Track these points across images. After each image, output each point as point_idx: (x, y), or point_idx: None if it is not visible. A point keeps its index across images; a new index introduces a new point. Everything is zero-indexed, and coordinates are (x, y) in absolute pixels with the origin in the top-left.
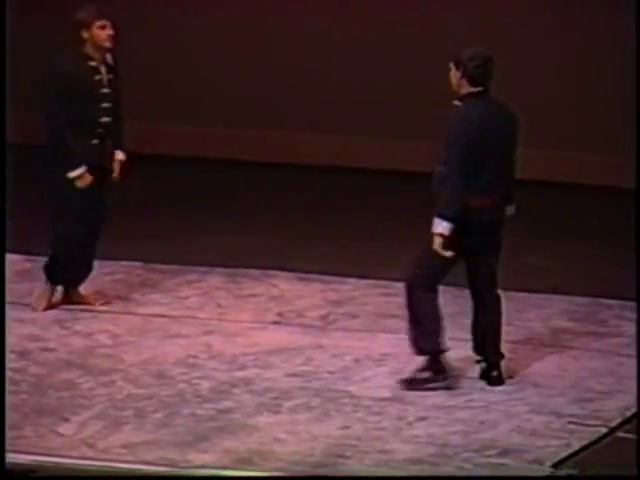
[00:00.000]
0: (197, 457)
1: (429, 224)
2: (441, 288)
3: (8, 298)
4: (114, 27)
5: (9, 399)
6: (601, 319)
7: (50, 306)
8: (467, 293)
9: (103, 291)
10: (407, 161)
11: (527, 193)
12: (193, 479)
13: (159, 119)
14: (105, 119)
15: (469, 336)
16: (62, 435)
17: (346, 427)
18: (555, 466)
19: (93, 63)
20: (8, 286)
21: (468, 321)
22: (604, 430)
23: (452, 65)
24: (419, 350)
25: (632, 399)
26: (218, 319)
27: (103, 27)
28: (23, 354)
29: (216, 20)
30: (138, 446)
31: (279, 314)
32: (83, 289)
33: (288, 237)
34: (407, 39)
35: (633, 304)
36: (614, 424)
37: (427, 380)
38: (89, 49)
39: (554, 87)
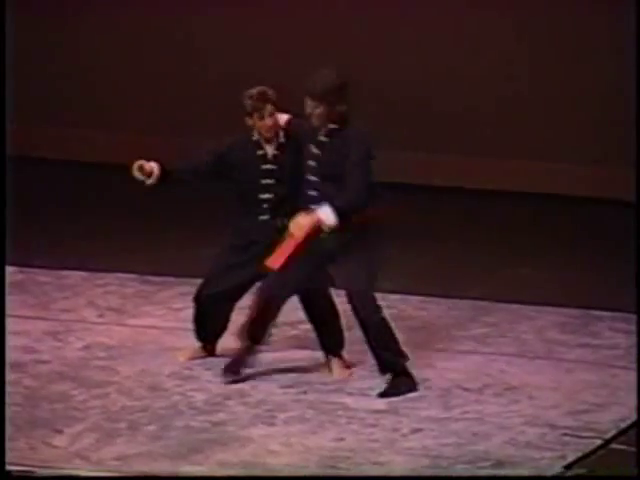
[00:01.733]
0: (191, 469)
1: (417, 236)
2: (436, 300)
3: None
4: (274, 115)
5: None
6: (594, 331)
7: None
8: (462, 304)
9: (96, 303)
10: (401, 173)
11: (520, 205)
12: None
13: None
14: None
15: (467, 348)
16: (55, 447)
17: (340, 439)
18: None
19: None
20: None
21: (463, 333)
22: (599, 442)
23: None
24: None
25: (627, 411)
26: None
27: (262, 118)
28: (17, 366)
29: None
30: (131, 458)
31: (273, 325)
32: None
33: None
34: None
35: (626, 315)
36: (609, 436)
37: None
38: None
39: (550, 98)
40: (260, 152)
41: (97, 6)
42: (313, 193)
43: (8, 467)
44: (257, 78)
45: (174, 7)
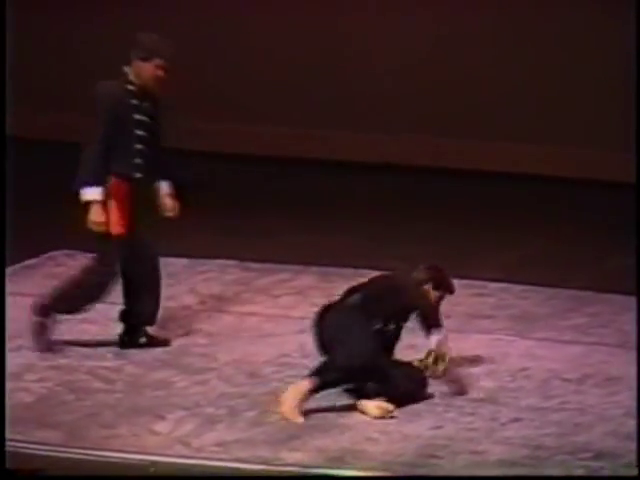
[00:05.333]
0: (289, 455)
1: (519, 225)
2: (535, 289)
3: (106, 298)
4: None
5: (104, 398)
6: None
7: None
8: (563, 294)
9: (197, 290)
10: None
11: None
12: (284, 478)
13: (248, 119)
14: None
15: (568, 338)
16: (157, 434)
17: (438, 427)
18: None
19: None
20: None
21: (564, 323)
22: None
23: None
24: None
25: None
26: (311, 318)
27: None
28: (119, 354)
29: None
30: (231, 444)
31: None
32: None
33: (379, 236)
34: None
35: None
36: None
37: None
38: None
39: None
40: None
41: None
42: (140, 161)
43: (110, 454)
44: None
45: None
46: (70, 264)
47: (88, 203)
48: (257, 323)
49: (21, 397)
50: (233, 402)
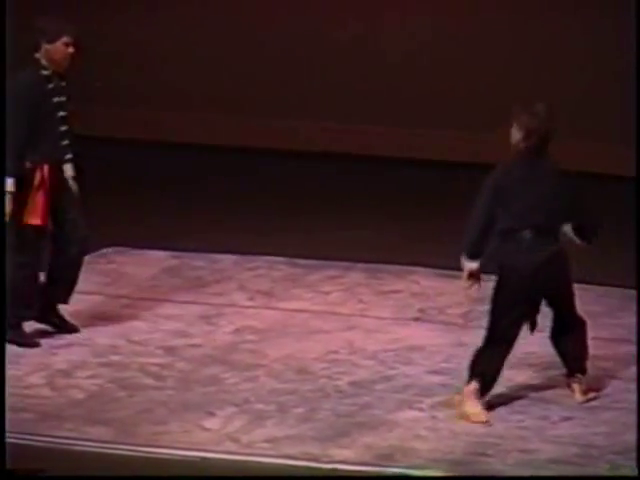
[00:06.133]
0: (338, 452)
1: None
2: (585, 287)
3: (156, 295)
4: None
5: (155, 395)
6: None
7: None
8: (613, 292)
9: (246, 286)
10: None
11: None
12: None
13: (286, 114)
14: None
15: (618, 336)
16: (208, 430)
17: (488, 425)
18: None
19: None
20: (154, 282)
21: (614, 321)
22: None
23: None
24: None
25: None
26: (359, 315)
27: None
28: (169, 350)
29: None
30: (281, 440)
31: (420, 310)
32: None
33: (428, 233)
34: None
35: None
36: None
37: None
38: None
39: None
40: (50, 86)
41: None
42: (67, 142)
43: (159, 450)
44: None
45: None
46: (121, 261)
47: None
48: (305, 319)
49: (73, 394)
50: (282, 398)
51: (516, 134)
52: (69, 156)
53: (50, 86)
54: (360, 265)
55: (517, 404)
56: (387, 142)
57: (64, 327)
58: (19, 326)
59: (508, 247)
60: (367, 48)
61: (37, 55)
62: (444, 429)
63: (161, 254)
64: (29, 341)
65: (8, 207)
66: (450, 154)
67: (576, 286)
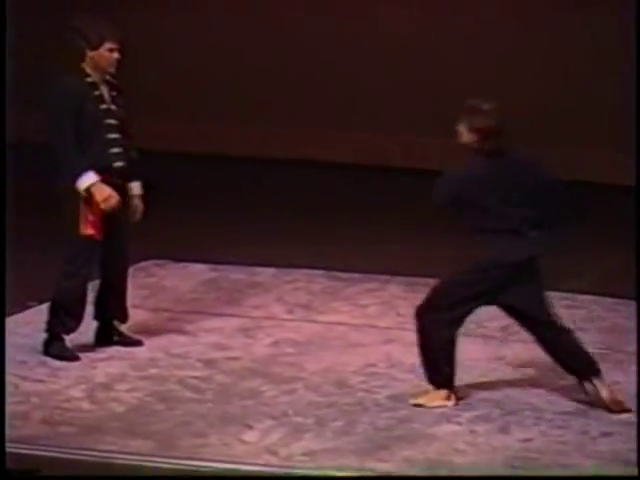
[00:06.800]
0: (377, 466)
1: (607, 238)
2: (625, 301)
3: (195, 308)
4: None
5: (195, 407)
6: None
7: None
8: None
9: (285, 299)
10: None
11: None
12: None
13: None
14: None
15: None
16: (246, 443)
17: (527, 440)
18: None
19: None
20: (193, 295)
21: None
22: None
23: None
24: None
25: None
26: (398, 328)
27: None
28: (209, 363)
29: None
30: (319, 454)
31: None
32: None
33: (464, 248)
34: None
35: None
36: None
37: None
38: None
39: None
40: (97, 92)
41: None
42: (117, 150)
43: (199, 462)
44: None
45: None
46: (161, 274)
47: (88, 191)
48: (344, 333)
49: (112, 407)
50: (321, 411)
51: (471, 135)
52: (119, 164)
53: (96, 93)
54: (398, 278)
55: (557, 419)
56: (427, 154)
57: (127, 342)
58: (61, 338)
59: (503, 244)
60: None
61: (87, 69)
62: (483, 443)
63: (200, 267)
64: (70, 355)
65: (105, 191)
66: None
67: (618, 300)
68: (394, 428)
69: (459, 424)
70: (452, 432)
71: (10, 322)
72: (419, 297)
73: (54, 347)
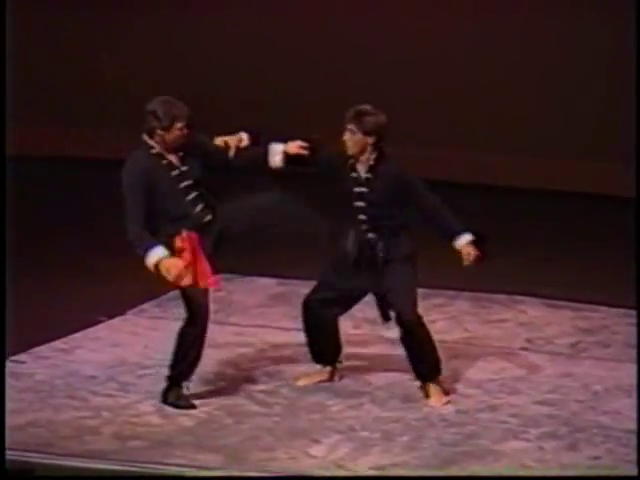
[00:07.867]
0: None
1: None
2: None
3: (263, 322)
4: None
5: (262, 422)
6: None
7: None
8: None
9: (352, 314)
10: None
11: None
12: None
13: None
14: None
15: None
16: (314, 457)
17: (596, 458)
18: None
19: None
20: (261, 310)
21: None
22: None
23: None
24: None
25: None
26: (465, 343)
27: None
28: (275, 376)
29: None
30: (387, 468)
31: (528, 340)
32: None
33: (534, 262)
34: None
35: None
36: None
37: None
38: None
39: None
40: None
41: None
42: (200, 207)
43: (269, 475)
44: None
45: None
46: (229, 288)
47: (157, 266)
48: None
49: (181, 421)
50: (387, 426)
51: (367, 138)
52: (209, 218)
53: (164, 162)
54: (466, 294)
55: (624, 437)
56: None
57: (181, 406)
58: (180, 386)
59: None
60: None
61: (145, 138)
62: (552, 460)
63: (268, 281)
64: (186, 403)
65: (175, 266)
66: (554, 183)
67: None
68: (461, 444)
69: (527, 440)
70: (520, 449)
71: (79, 337)
72: (487, 312)
73: (172, 394)
